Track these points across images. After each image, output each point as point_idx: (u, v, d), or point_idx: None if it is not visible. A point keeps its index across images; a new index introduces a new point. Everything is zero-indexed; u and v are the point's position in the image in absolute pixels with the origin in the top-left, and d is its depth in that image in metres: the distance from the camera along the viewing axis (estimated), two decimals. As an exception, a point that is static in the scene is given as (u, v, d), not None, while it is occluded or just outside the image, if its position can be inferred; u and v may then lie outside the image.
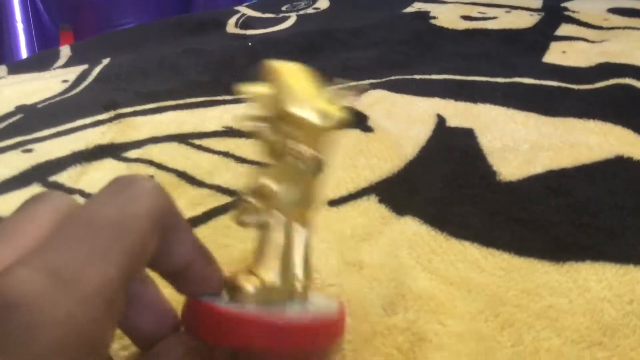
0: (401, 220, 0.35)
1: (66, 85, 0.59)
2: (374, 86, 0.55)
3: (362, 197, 0.37)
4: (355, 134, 0.45)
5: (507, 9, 0.84)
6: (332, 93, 0.23)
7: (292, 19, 0.85)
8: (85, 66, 0.64)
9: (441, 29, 0.76)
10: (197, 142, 0.44)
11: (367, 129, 0.46)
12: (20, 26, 1.32)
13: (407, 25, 0.79)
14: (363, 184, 0.38)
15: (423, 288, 0.29)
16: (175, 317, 0.22)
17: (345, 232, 0.34)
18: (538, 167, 0.40)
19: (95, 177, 0.40)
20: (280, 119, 0.22)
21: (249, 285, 0.21)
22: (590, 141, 0.43)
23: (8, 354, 0.14)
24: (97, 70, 0.62)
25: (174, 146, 0.44)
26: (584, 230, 0.33)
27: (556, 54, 0.64)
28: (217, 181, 0.39)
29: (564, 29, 0.74)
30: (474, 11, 0.84)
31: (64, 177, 0.40)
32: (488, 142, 0.44)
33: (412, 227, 0.34)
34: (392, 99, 0.52)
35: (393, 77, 0.57)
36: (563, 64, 0.61)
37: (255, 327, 0.20)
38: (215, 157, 0.43)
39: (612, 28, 0.74)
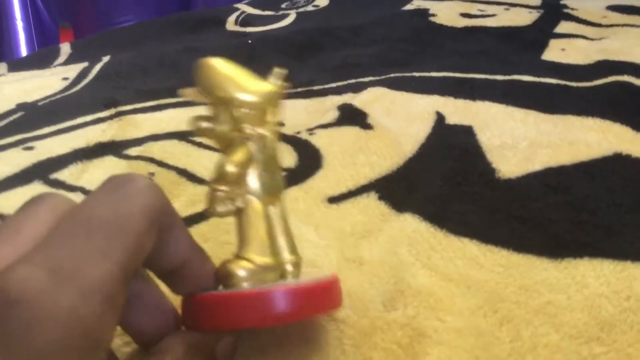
0: (401, 217, 0.35)
1: (67, 82, 0.59)
2: (373, 84, 0.55)
3: (362, 194, 0.37)
4: (354, 131, 0.45)
5: (506, 7, 0.84)
6: (260, 76, 0.25)
7: (292, 16, 0.85)
8: (85, 64, 0.64)
9: (440, 27, 0.76)
10: (197, 139, 0.45)
11: (366, 126, 0.46)
12: (20, 24, 1.32)
13: (406, 22, 0.79)
14: (363, 181, 0.39)
15: (422, 284, 0.29)
16: (177, 315, 0.22)
17: (345, 229, 0.34)
18: (537, 164, 0.40)
19: (96, 174, 0.40)
20: (226, 106, 0.23)
21: (240, 269, 0.22)
22: (588, 138, 0.43)
23: (10, 350, 0.14)
24: (97, 67, 0.63)
25: (174, 144, 0.45)
26: (582, 227, 0.33)
27: (555, 52, 0.64)
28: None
29: (563, 27, 0.74)
30: (473, 9, 0.84)
31: (65, 175, 0.41)
32: (487, 139, 0.44)
33: (411, 224, 0.34)
34: (391, 96, 0.52)
35: (392, 75, 0.57)
36: (562, 62, 0.61)
37: (255, 300, 0.20)
38: (216, 154, 0.43)
39: (611, 25, 0.74)
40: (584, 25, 0.75)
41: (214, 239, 0.32)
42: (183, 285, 0.22)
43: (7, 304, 0.15)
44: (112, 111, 0.50)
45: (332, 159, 0.41)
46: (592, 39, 0.68)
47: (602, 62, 0.60)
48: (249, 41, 0.71)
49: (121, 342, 0.24)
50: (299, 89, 0.55)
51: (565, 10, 0.81)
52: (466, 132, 0.45)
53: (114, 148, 0.44)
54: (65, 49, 0.73)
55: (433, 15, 0.81)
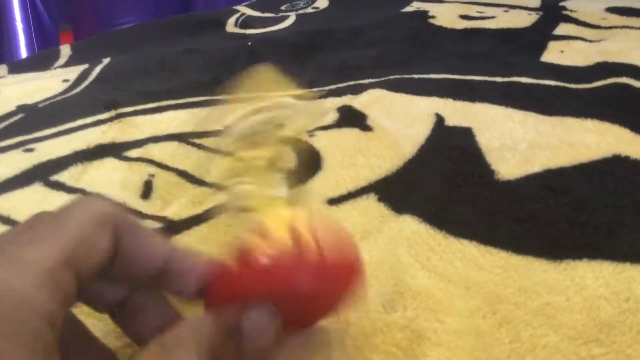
0: (400, 219, 0.35)
1: (67, 84, 0.59)
2: (373, 85, 0.55)
3: (362, 195, 0.37)
4: (354, 133, 0.45)
5: (505, 9, 0.85)
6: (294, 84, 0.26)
7: (292, 18, 0.86)
8: (85, 66, 0.64)
9: (440, 29, 0.76)
10: (197, 141, 0.45)
11: (366, 128, 0.46)
12: (20, 26, 1.32)
13: (406, 24, 0.79)
14: (362, 182, 0.39)
15: (422, 286, 0.29)
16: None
17: (345, 230, 0.34)
18: (536, 166, 0.40)
19: (96, 176, 0.41)
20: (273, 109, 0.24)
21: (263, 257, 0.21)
22: (587, 140, 0.43)
23: None
24: (97, 69, 0.63)
25: (174, 145, 0.45)
26: (581, 228, 0.33)
27: (554, 53, 0.65)
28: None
29: (562, 29, 0.74)
30: (472, 10, 0.84)
31: (66, 177, 0.41)
32: (486, 141, 0.44)
33: (411, 226, 0.34)
34: (391, 98, 0.52)
35: (392, 76, 0.58)
36: (561, 63, 0.61)
37: (289, 263, 0.21)
38: (216, 155, 0.43)
39: (610, 27, 0.74)
40: (583, 27, 0.75)
41: (215, 240, 0.32)
42: (172, 284, 0.22)
43: None
44: (113, 113, 0.50)
45: (332, 160, 0.41)
46: (591, 41, 0.69)
47: (601, 64, 0.60)
48: (249, 43, 0.71)
49: (122, 344, 0.24)
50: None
51: (565, 12, 0.81)
52: (465, 134, 0.45)
53: (114, 150, 0.44)
54: (66, 50, 0.73)
55: (432, 17, 0.81)
